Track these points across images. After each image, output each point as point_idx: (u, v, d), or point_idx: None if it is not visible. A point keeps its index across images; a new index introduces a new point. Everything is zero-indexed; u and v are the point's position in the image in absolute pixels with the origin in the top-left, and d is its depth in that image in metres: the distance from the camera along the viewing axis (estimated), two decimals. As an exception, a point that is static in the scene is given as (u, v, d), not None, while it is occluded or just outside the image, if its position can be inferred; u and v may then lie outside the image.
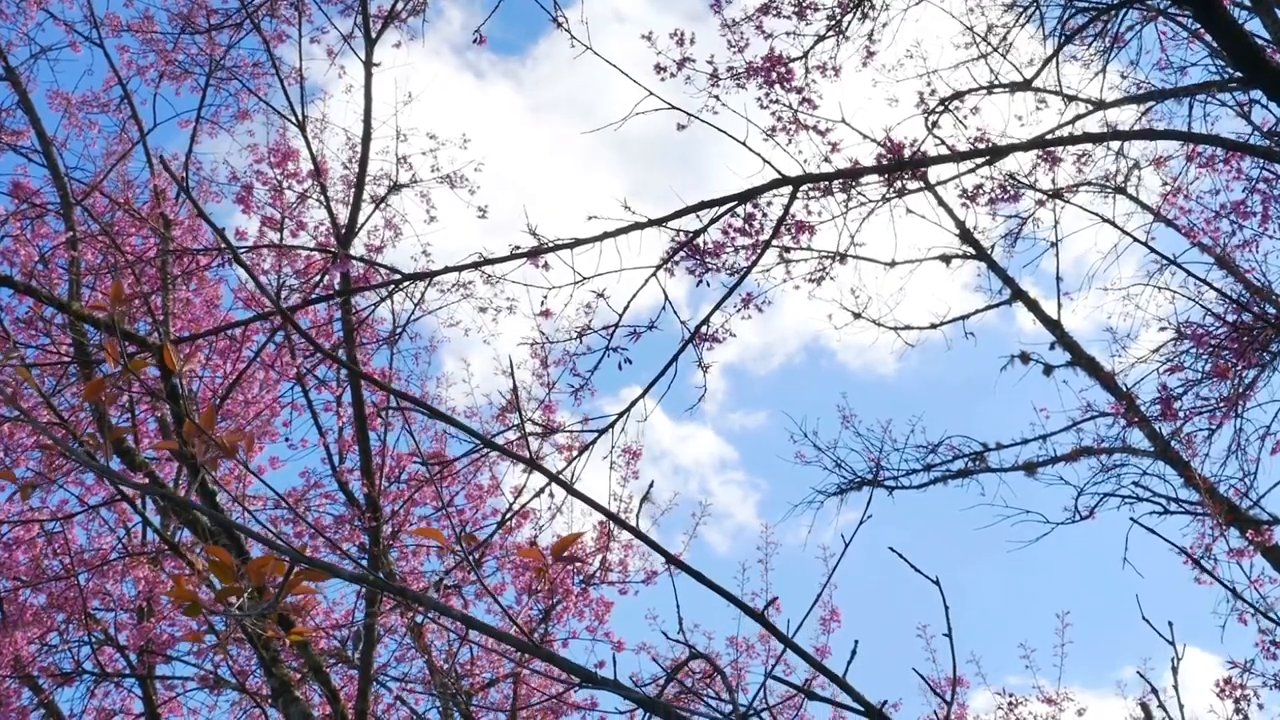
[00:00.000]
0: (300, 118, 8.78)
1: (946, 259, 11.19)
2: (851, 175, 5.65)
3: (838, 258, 8.04)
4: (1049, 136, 5.80)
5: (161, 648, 9.53)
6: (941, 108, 6.04)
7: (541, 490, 5.23)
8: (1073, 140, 5.92)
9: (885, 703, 1.73)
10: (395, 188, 9.07)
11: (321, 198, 8.90)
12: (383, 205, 9.00)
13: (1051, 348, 11.01)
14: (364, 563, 9.16)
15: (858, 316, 11.17)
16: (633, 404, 5.24)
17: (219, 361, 9.79)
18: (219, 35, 8.76)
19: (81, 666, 9.34)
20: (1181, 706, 1.75)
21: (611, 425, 5.19)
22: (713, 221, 5.56)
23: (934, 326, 11.45)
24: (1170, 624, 1.95)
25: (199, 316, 10.08)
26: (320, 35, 8.86)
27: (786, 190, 5.61)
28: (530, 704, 10.21)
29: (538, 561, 2.04)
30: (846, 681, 1.77)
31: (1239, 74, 5.09)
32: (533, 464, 2.12)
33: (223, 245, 7.37)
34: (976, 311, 11.29)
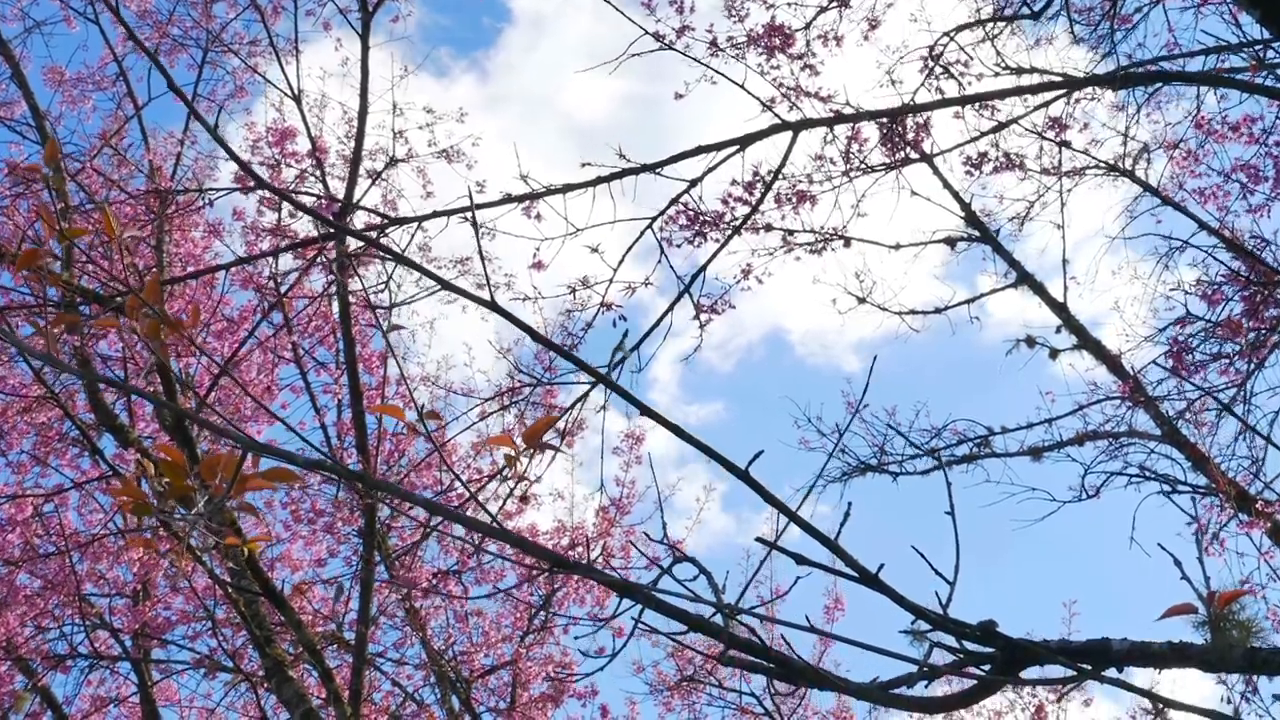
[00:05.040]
0: (296, 91, 8.68)
1: (952, 242, 11.07)
2: (853, 120, 5.53)
3: (842, 240, 7.92)
4: (1055, 80, 5.66)
5: (157, 631, 9.43)
6: (946, 40, 5.90)
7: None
8: (1081, 83, 5.78)
9: (882, 566, 1.61)
10: (392, 163, 8.97)
11: (318, 173, 8.80)
12: (379, 180, 8.90)
13: (1058, 331, 10.88)
14: (361, 548, 9.05)
15: (862, 301, 11.04)
16: (632, 349, 5.11)
17: (216, 344, 9.69)
18: (215, 6, 8.67)
19: (76, 650, 9.23)
20: (1207, 579, 1.63)
21: (610, 371, 5.02)
22: (709, 171, 5.44)
23: (939, 311, 11.32)
24: (1193, 499, 1.83)
25: (196, 297, 9.98)
26: (317, 8, 8.75)
27: (786, 138, 5.49)
28: (531, 691, 10.09)
29: (510, 448, 1.93)
30: (840, 545, 1.65)
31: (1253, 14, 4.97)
32: (557, 348, 2.00)
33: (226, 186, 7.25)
34: (981, 295, 11.16)
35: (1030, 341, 11.23)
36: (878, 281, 11.11)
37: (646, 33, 5.62)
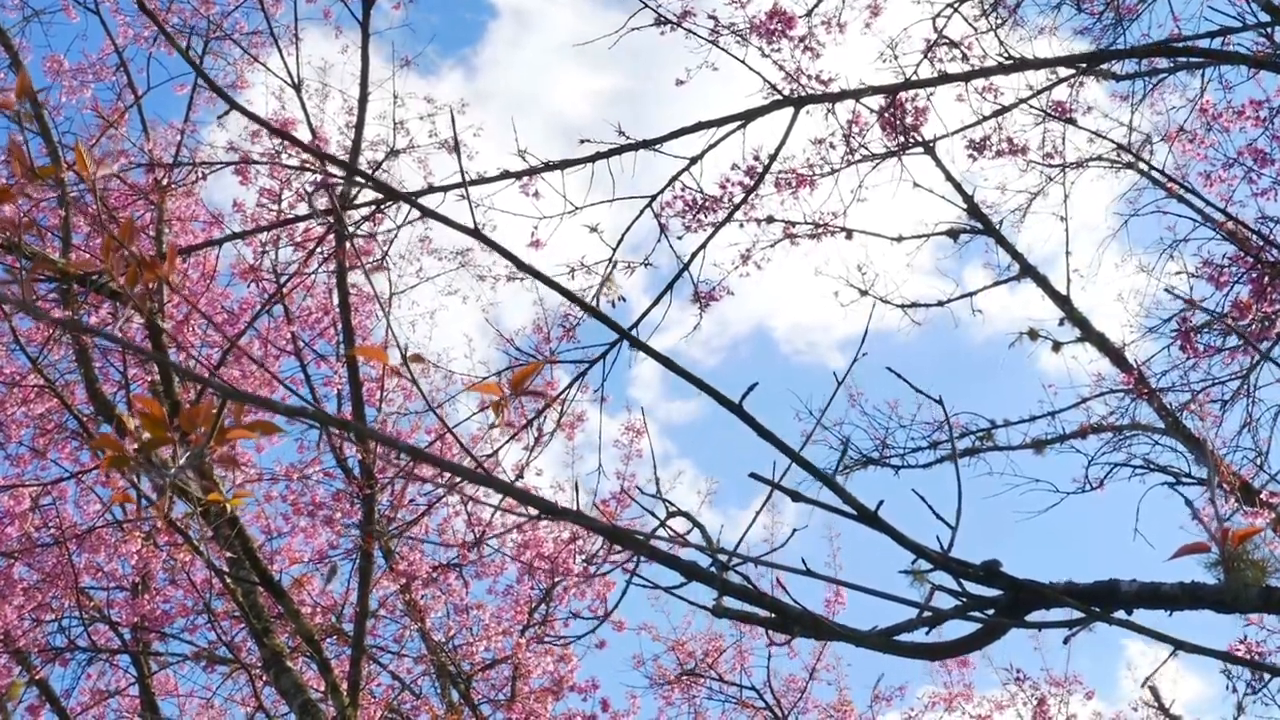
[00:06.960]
0: (296, 80, 8.63)
1: (954, 233, 11.02)
2: (855, 95, 5.48)
3: (844, 232, 7.86)
4: (1063, 58, 5.60)
5: (155, 624, 9.39)
6: (950, 11, 5.83)
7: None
8: (1092, 58, 5.72)
9: (881, 503, 1.56)
10: (393, 153, 8.92)
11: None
12: (380, 170, 8.86)
13: (1060, 323, 10.84)
14: (359, 537, 9.00)
15: (864, 294, 10.99)
16: (632, 327, 5.05)
17: (215, 337, 9.64)
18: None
19: (74, 643, 9.19)
20: (1219, 515, 1.58)
21: (608, 352, 4.99)
22: (710, 148, 5.39)
23: (941, 304, 11.28)
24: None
25: (196, 292, 9.93)
26: (316, -4, 8.70)
27: (788, 114, 5.42)
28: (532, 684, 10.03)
29: (495, 395, 1.88)
30: (837, 482, 1.60)
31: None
32: (584, 304, 1.94)
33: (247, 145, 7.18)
34: (986, 288, 11.12)
35: (1034, 334, 11.18)
36: (879, 275, 11.03)
37: (647, 5, 5.56)
